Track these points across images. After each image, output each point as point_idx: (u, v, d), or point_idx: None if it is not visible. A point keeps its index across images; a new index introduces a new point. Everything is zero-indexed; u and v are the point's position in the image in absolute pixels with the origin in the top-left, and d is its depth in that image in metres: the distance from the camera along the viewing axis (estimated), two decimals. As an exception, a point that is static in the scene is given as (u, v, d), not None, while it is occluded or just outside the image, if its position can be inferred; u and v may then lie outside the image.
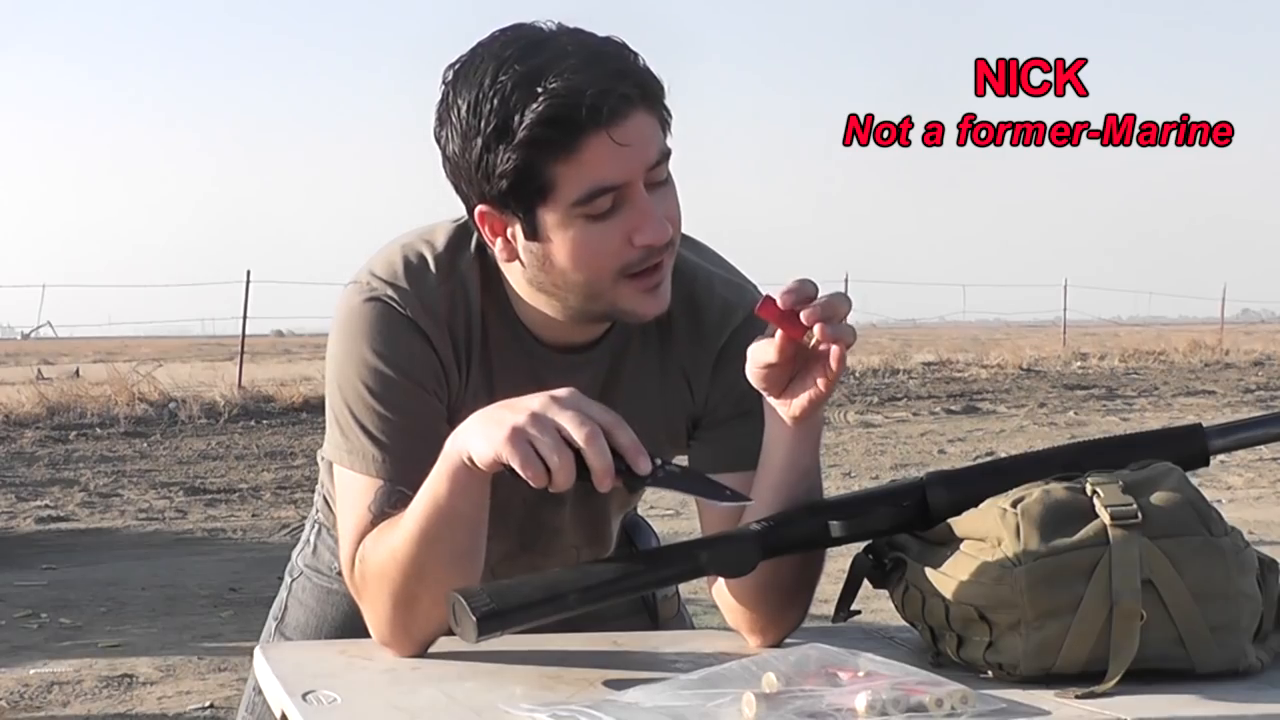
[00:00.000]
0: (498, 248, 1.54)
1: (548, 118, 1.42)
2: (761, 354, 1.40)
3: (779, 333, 1.36)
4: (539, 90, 1.42)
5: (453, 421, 1.56)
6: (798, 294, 1.35)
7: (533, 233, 1.49)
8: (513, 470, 1.33)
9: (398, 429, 1.54)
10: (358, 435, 1.55)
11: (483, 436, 1.35)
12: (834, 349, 1.35)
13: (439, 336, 1.57)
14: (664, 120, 1.49)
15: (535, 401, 1.34)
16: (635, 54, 1.47)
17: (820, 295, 1.35)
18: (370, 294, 1.57)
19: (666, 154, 1.49)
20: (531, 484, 1.32)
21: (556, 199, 1.46)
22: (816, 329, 1.34)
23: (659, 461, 1.35)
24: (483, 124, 1.44)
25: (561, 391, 1.35)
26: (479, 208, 1.51)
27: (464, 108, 1.45)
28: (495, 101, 1.43)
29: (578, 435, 1.31)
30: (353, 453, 1.55)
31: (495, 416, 1.35)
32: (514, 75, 1.43)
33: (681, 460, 1.68)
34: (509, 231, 1.51)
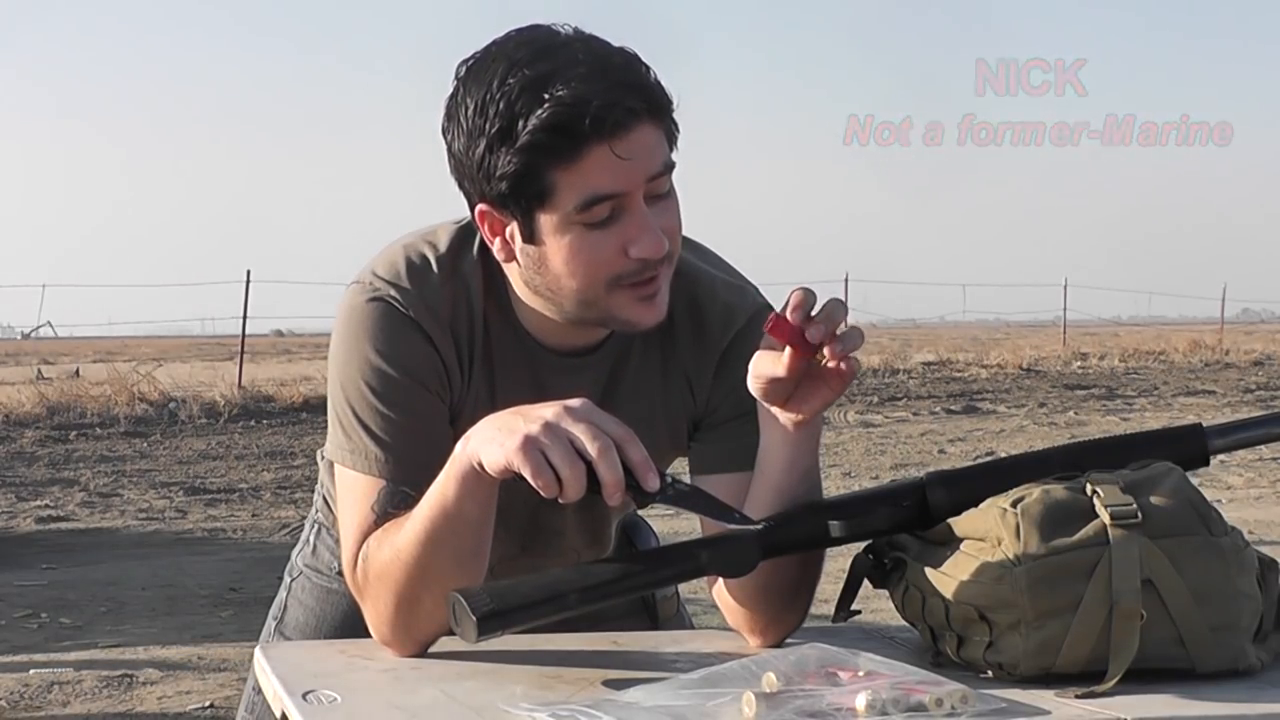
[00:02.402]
0: (496, 247, 1.54)
1: (551, 125, 1.41)
2: (768, 367, 1.39)
3: (787, 349, 1.36)
4: (545, 96, 1.42)
5: (454, 423, 1.56)
6: (804, 308, 1.35)
7: (530, 235, 1.49)
8: (522, 478, 1.32)
9: (400, 429, 1.54)
10: (360, 435, 1.55)
11: (495, 443, 1.35)
12: (844, 365, 1.36)
13: (441, 337, 1.57)
14: (670, 134, 1.49)
15: (549, 411, 1.33)
16: (647, 67, 1.47)
17: (818, 306, 1.35)
18: (373, 294, 1.57)
19: (670, 167, 1.49)
20: (542, 493, 1.32)
21: (555, 204, 1.46)
22: (826, 350, 1.34)
23: (669, 479, 1.35)
24: (488, 125, 1.44)
25: (575, 402, 1.34)
26: (479, 206, 1.51)
27: (471, 107, 1.45)
28: (502, 104, 1.43)
29: (590, 448, 1.31)
30: (355, 453, 1.55)
31: (508, 424, 1.35)
32: (522, 79, 1.43)
33: (682, 460, 1.68)
34: (507, 232, 1.51)
